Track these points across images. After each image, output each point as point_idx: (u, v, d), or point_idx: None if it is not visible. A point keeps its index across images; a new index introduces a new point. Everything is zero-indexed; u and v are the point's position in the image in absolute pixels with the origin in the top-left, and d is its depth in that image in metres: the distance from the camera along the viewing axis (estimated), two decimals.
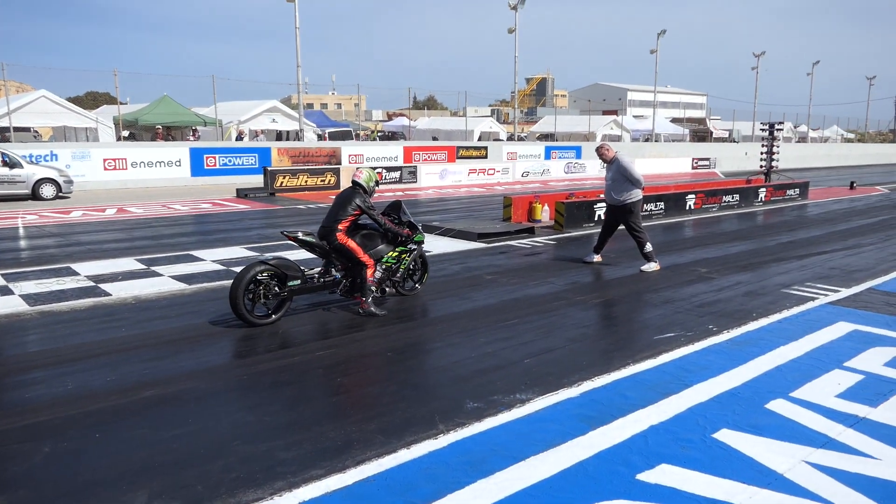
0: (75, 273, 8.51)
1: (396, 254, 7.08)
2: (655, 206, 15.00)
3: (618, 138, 46.91)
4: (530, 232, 12.25)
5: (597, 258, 9.48)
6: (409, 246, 7.22)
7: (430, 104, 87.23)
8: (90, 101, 64.47)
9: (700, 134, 57.26)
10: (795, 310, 6.90)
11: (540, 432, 3.99)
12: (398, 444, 3.82)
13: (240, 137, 30.16)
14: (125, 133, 29.48)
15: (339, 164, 25.78)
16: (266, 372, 5.07)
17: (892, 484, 3.45)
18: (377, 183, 7.10)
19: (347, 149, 27.55)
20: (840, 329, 6.18)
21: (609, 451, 3.76)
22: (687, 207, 15.79)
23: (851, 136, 72.22)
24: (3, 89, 24.05)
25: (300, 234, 6.55)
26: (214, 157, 23.96)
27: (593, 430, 4.02)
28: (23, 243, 11.26)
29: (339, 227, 6.54)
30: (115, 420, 4.18)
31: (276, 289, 6.20)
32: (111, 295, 7.38)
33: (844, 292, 7.68)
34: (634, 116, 61.83)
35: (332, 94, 79.21)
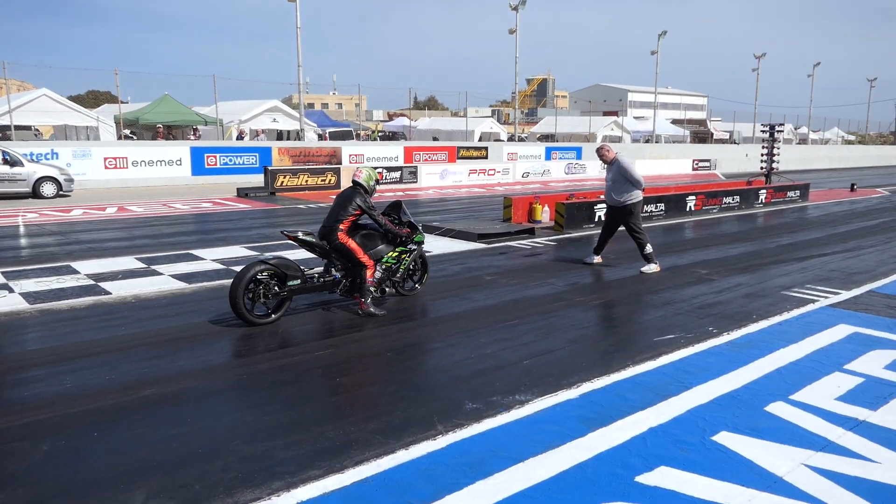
0: (75, 271, 8.51)
1: (396, 254, 7.08)
2: (656, 208, 15.00)
3: (618, 139, 46.92)
4: (530, 233, 12.26)
5: (597, 259, 9.48)
6: (409, 246, 7.22)
7: (430, 104, 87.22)
8: (91, 99, 64.50)
9: (700, 135, 57.22)
10: (795, 312, 6.89)
11: (539, 434, 3.98)
12: (397, 445, 3.81)
13: (240, 137, 30.16)
14: (126, 132, 29.50)
15: (340, 163, 25.80)
16: (265, 371, 5.07)
17: (891, 487, 3.44)
18: (377, 182, 7.11)
19: (348, 149, 27.57)
20: (840, 332, 6.18)
21: (608, 453, 3.75)
22: (687, 209, 15.79)
23: (852, 137, 72.27)
24: (5, 88, 24.08)
25: (300, 234, 6.55)
26: (215, 157, 23.99)
27: (592, 431, 4.02)
28: (23, 241, 11.27)
29: (341, 226, 6.55)
30: (115, 419, 4.18)
31: (276, 288, 6.20)
32: (111, 293, 7.38)
33: (845, 295, 7.67)
34: (635, 117, 61.76)
35: (333, 93, 79.15)
